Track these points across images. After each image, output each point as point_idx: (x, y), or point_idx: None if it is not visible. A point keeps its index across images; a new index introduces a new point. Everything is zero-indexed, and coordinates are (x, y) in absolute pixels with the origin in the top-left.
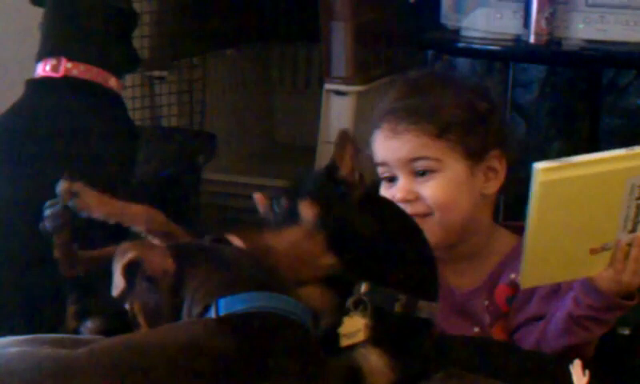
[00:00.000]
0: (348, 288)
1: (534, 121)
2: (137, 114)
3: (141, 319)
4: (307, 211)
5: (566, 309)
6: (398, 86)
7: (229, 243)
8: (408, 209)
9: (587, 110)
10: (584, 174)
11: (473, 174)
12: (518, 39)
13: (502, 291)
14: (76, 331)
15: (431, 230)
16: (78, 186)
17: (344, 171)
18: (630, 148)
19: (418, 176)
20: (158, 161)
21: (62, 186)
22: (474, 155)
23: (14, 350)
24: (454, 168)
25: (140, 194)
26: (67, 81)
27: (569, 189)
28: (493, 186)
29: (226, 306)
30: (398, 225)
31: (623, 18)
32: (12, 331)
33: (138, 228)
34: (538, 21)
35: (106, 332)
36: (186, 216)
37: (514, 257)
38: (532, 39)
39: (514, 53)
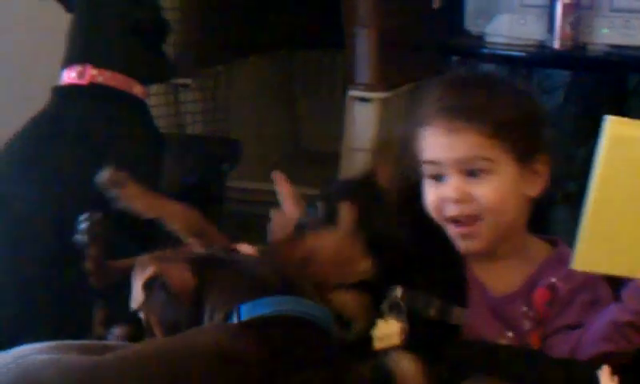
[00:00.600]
0: (381, 291)
1: (559, 126)
2: (161, 122)
3: (157, 330)
4: (347, 214)
5: (609, 316)
6: (444, 84)
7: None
8: (459, 210)
9: (613, 115)
10: None
11: (521, 177)
12: (542, 45)
13: (541, 295)
14: (103, 338)
15: (479, 233)
16: (123, 176)
17: (382, 179)
18: None
19: (470, 176)
20: (183, 168)
21: (106, 175)
22: (523, 157)
23: (42, 356)
24: (506, 170)
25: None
26: (92, 88)
27: (635, 152)
28: (536, 189)
29: (247, 311)
30: (431, 232)
31: None
32: (40, 338)
33: (175, 226)
34: (562, 26)
35: (133, 338)
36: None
37: (550, 264)
38: (556, 45)
39: (539, 58)
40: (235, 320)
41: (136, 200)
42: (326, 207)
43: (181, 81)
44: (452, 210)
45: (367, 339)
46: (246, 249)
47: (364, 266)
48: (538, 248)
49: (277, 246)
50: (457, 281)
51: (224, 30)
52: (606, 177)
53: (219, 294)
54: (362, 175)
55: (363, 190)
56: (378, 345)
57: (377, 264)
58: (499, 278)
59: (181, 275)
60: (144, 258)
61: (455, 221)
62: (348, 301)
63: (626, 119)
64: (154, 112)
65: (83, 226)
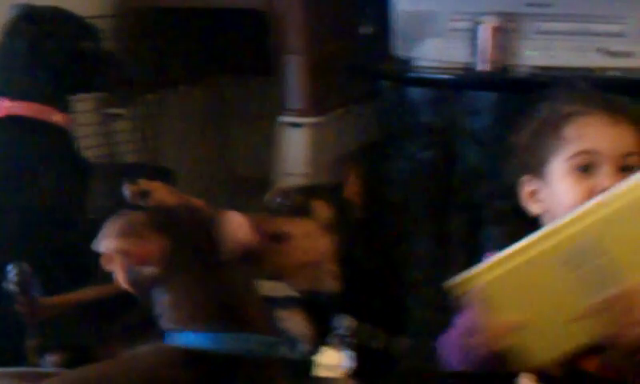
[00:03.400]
0: (327, 318)
1: (487, 147)
2: (93, 152)
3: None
4: (322, 211)
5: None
6: (573, 88)
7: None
8: None
9: None
10: (501, 274)
11: None
12: (468, 67)
13: None
14: (38, 366)
15: None
16: (146, 185)
17: (350, 193)
18: (535, 233)
19: (621, 171)
20: (116, 197)
21: (129, 190)
22: None
23: None
24: None
25: (96, 231)
26: (9, 119)
27: (496, 288)
28: None
29: (189, 340)
30: (383, 259)
31: (570, 45)
32: None
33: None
34: (487, 49)
35: (67, 365)
36: None
37: None
38: (482, 67)
39: (465, 81)
40: (177, 343)
41: (167, 200)
42: (301, 198)
43: (113, 110)
44: None
45: (310, 362)
46: (235, 217)
47: (331, 270)
48: None
49: (255, 223)
50: (402, 313)
51: (154, 59)
52: (496, 311)
53: (174, 304)
54: (331, 184)
55: (338, 196)
56: (319, 372)
57: (342, 275)
58: None
59: (150, 253)
60: (124, 219)
61: None
62: (296, 321)
63: (464, 276)
64: (86, 142)
65: (11, 276)
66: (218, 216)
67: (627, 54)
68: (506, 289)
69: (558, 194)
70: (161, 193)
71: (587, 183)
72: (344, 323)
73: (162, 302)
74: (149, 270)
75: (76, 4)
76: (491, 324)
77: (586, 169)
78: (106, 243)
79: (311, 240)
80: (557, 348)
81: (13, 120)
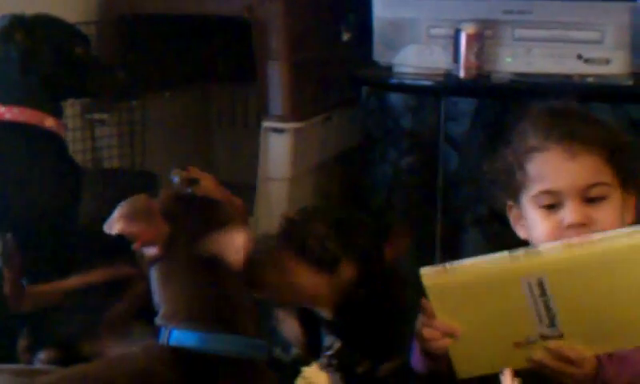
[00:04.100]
0: (319, 332)
1: (466, 152)
2: (78, 157)
3: None
4: (347, 272)
5: None
6: (546, 113)
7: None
8: (579, 232)
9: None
10: (468, 280)
11: (623, 204)
12: (448, 74)
13: None
14: (30, 363)
15: None
16: (197, 173)
17: (391, 255)
18: (512, 252)
19: (587, 202)
20: (100, 203)
21: (179, 175)
22: (623, 185)
23: None
24: (617, 196)
25: (83, 236)
26: (1, 125)
27: (459, 291)
28: (629, 219)
29: (177, 338)
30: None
31: (548, 51)
32: None
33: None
34: (467, 56)
35: (58, 362)
36: (128, 258)
37: None
38: (462, 74)
39: (445, 87)
40: (165, 340)
41: (212, 192)
42: (330, 253)
43: (97, 116)
44: (572, 235)
45: (297, 369)
46: (237, 238)
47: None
48: None
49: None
50: (395, 343)
51: (138, 65)
52: (444, 313)
53: (171, 298)
54: (373, 237)
55: (369, 258)
56: (300, 382)
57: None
58: None
59: (149, 238)
60: (133, 202)
61: None
62: (291, 324)
63: (435, 269)
64: (70, 147)
65: None
66: (230, 224)
67: (605, 61)
68: (461, 296)
69: (530, 224)
70: (208, 183)
71: (554, 218)
72: (333, 345)
73: (159, 293)
74: (150, 252)
75: (61, 11)
76: (433, 323)
77: (550, 206)
78: (111, 223)
79: (315, 297)
80: (491, 365)
81: (5, 125)
